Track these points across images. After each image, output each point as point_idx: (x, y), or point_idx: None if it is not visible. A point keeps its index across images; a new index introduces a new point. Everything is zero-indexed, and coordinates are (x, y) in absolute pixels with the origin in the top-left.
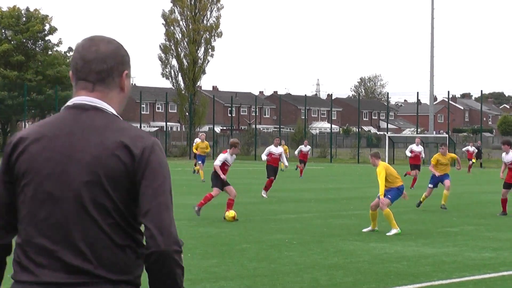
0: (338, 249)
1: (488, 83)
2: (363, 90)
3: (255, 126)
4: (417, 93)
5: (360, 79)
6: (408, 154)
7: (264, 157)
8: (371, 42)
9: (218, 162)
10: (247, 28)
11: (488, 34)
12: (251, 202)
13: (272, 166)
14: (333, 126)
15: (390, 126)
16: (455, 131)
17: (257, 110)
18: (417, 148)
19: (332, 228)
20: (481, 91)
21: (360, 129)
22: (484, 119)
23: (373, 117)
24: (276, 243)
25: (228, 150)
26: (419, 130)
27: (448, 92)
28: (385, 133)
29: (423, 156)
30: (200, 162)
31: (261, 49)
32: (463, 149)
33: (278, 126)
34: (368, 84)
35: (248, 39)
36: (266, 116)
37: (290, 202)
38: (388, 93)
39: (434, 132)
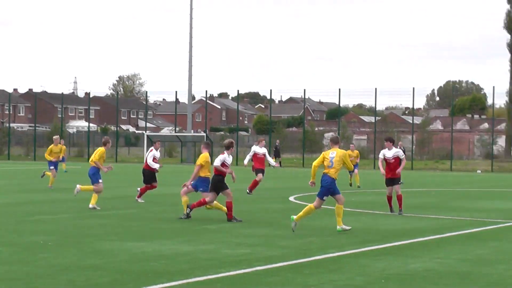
0: (96, 249)
1: (244, 83)
2: (121, 88)
3: (9, 125)
4: (176, 92)
5: (119, 77)
6: (249, 158)
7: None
8: (130, 41)
9: (218, 162)
10: (19, 19)
11: (245, 35)
12: (3, 204)
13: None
14: (91, 125)
15: (149, 125)
16: (212, 130)
17: (10, 108)
18: (261, 150)
19: (89, 229)
20: (238, 91)
21: (118, 128)
22: (241, 118)
23: (131, 116)
24: (31, 245)
25: (225, 151)
26: (177, 129)
27: (206, 91)
28: (144, 132)
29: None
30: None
31: (16, 44)
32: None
33: (34, 125)
34: (127, 83)
35: (1, 33)
36: (21, 114)
37: (46, 203)
38: (146, 92)
39: (192, 131)
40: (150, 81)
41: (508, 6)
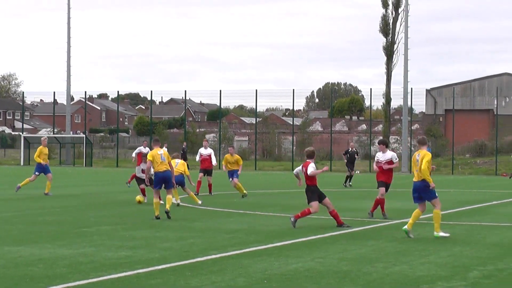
0: None
1: (124, 84)
2: None
3: None
4: (54, 92)
5: None
6: (198, 158)
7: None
8: (5, 40)
9: (314, 170)
10: None
11: (125, 34)
12: None
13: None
14: None
15: (26, 126)
16: (92, 131)
17: None
18: (206, 151)
19: None
20: (118, 91)
21: None
22: (121, 119)
23: (7, 117)
24: None
25: (310, 159)
26: (56, 130)
27: (85, 92)
28: (21, 133)
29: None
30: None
31: None
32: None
33: None
34: (2, 83)
35: None
36: None
37: None
38: (23, 92)
39: (72, 132)
40: (27, 82)
41: (383, 10)
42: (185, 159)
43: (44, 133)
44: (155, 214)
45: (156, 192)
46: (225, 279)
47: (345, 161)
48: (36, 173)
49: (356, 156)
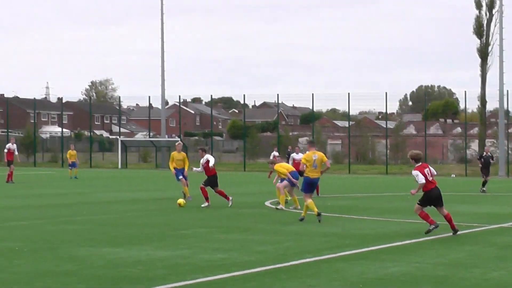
0: (71, 255)
1: (217, 88)
2: (94, 93)
3: None
4: (149, 97)
5: (91, 82)
6: (290, 163)
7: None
8: (102, 45)
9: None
10: None
11: (218, 39)
12: None
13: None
14: (64, 130)
15: (122, 130)
16: (186, 134)
17: None
18: (298, 156)
19: (65, 234)
20: (211, 96)
21: (92, 133)
22: (214, 123)
23: (105, 121)
24: (6, 251)
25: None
26: (151, 134)
27: (179, 96)
28: (118, 137)
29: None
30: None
31: None
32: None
33: (6, 130)
34: (100, 88)
35: None
36: None
37: (20, 209)
38: (120, 97)
39: (166, 136)
40: (123, 86)
41: (476, 12)
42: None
43: (140, 137)
44: (302, 214)
45: (309, 196)
46: (320, 282)
47: (480, 166)
48: (180, 177)
49: (491, 161)
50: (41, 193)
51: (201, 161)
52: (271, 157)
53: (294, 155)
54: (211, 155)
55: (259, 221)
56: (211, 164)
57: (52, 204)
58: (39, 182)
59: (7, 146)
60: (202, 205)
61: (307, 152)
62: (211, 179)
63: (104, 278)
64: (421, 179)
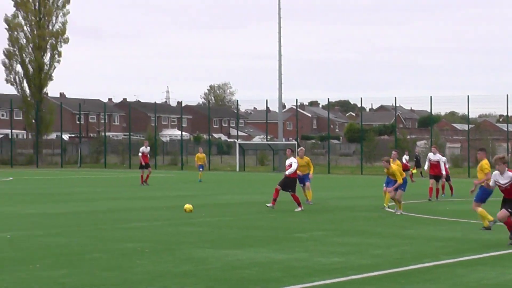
0: (189, 256)
1: (334, 91)
2: (213, 97)
3: (105, 134)
4: (266, 100)
5: (210, 86)
6: (427, 165)
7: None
8: (220, 50)
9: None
10: (94, 34)
11: (333, 42)
12: (101, 211)
13: None
14: (183, 133)
15: (240, 133)
16: (303, 138)
17: (106, 117)
18: (435, 157)
19: (183, 236)
20: (328, 99)
21: (210, 136)
22: (332, 126)
23: (223, 125)
24: (128, 251)
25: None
26: (268, 137)
27: (296, 100)
28: (236, 140)
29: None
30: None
31: (110, 55)
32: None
33: (128, 134)
34: (218, 92)
35: (95, 45)
36: (116, 123)
37: (140, 211)
38: (237, 100)
39: (284, 139)
40: (240, 90)
41: None
42: (418, 165)
43: (258, 140)
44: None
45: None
46: (439, 287)
47: None
48: (307, 182)
49: None
50: (160, 195)
51: (287, 161)
52: (404, 161)
53: (430, 155)
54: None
55: (375, 224)
56: (291, 169)
57: (171, 205)
58: (160, 184)
59: (141, 149)
60: (296, 209)
61: (484, 160)
62: (289, 182)
63: (221, 279)
64: None
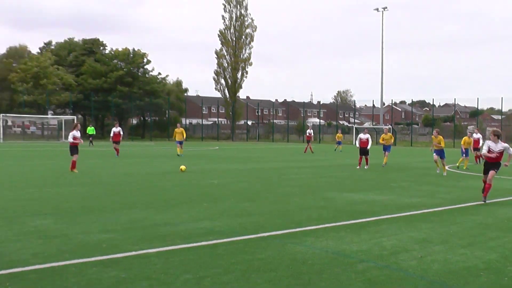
0: (323, 197)
1: (416, 93)
2: (339, 98)
3: (272, 121)
4: (373, 100)
5: (337, 91)
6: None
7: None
8: (350, 69)
9: None
10: (268, 59)
11: (425, 64)
12: (268, 168)
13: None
14: (321, 121)
15: (356, 121)
16: (396, 124)
17: (273, 111)
18: (476, 135)
19: (320, 184)
20: (412, 99)
21: (338, 122)
22: (414, 117)
23: (345, 115)
24: (286, 193)
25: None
26: (374, 123)
27: (392, 100)
28: (353, 125)
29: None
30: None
31: (276, 70)
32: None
33: (287, 121)
34: (343, 95)
35: (267, 67)
36: (280, 114)
37: (294, 168)
38: (354, 100)
39: (383, 125)
40: (357, 92)
41: None
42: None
43: (367, 125)
44: None
45: None
46: None
47: None
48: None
49: None
50: (309, 159)
51: (362, 136)
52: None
53: (474, 134)
54: None
55: (440, 179)
56: (370, 143)
57: (313, 165)
58: (304, 154)
59: (308, 131)
60: None
61: (440, 137)
62: (363, 150)
63: (343, 210)
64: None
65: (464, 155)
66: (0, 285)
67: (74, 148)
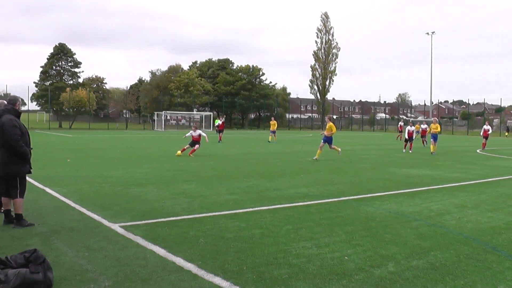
0: (388, 171)
1: (455, 94)
2: (400, 98)
3: (351, 116)
4: (424, 100)
5: (398, 93)
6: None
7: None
8: (404, 72)
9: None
10: (348, 72)
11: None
12: (351, 149)
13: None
14: (386, 116)
15: (412, 115)
16: (441, 118)
17: (352, 108)
18: (486, 127)
19: (388, 161)
20: (453, 99)
21: (399, 117)
22: (454, 113)
23: (404, 111)
24: (361, 168)
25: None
26: (425, 117)
27: (438, 100)
28: (410, 119)
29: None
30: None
31: (354, 78)
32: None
33: (361, 115)
34: (402, 96)
35: (345, 77)
36: (356, 111)
37: (373, 150)
38: (411, 100)
39: (432, 118)
40: (413, 94)
41: None
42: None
43: (420, 119)
44: None
45: None
46: None
47: None
48: None
49: None
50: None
51: (408, 128)
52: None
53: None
54: None
55: (473, 158)
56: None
57: (381, 148)
58: (379, 138)
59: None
60: None
61: (331, 123)
62: (410, 137)
63: (402, 182)
64: None
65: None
66: (161, 228)
67: (193, 142)
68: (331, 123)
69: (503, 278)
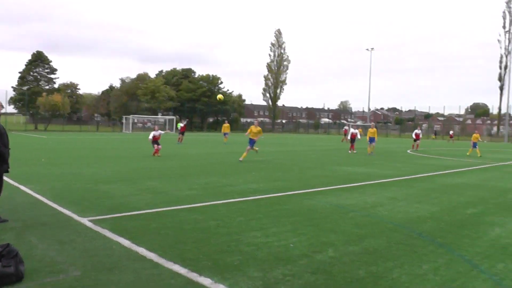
0: (329, 169)
1: (390, 102)
2: (342, 105)
3: (298, 120)
4: (363, 107)
5: (340, 101)
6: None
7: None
8: (346, 83)
9: None
10: (300, 81)
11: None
12: (298, 150)
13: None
14: (329, 120)
15: (352, 120)
16: (377, 123)
17: (299, 113)
18: (418, 131)
19: (327, 161)
20: (388, 106)
21: (340, 121)
22: (389, 118)
23: (345, 117)
24: (306, 167)
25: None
26: (363, 122)
27: (375, 107)
28: (349, 123)
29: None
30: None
31: (302, 87)
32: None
33: (307, 120)
34: (344, 103)
35: (295, 87)
36: (303, 116)
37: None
38: (351, 107)
39: (370, 123)
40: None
41: None
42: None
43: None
44: None
45: None
46: None
47: None
48: None
49: None
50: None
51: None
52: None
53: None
54: None
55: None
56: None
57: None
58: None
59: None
60: None
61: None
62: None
63: (341, 178)
64: None
65: (472, 147)
66: (126, 221)
67: (154, 142)
68: (259, 128)
69: (427, 260)
